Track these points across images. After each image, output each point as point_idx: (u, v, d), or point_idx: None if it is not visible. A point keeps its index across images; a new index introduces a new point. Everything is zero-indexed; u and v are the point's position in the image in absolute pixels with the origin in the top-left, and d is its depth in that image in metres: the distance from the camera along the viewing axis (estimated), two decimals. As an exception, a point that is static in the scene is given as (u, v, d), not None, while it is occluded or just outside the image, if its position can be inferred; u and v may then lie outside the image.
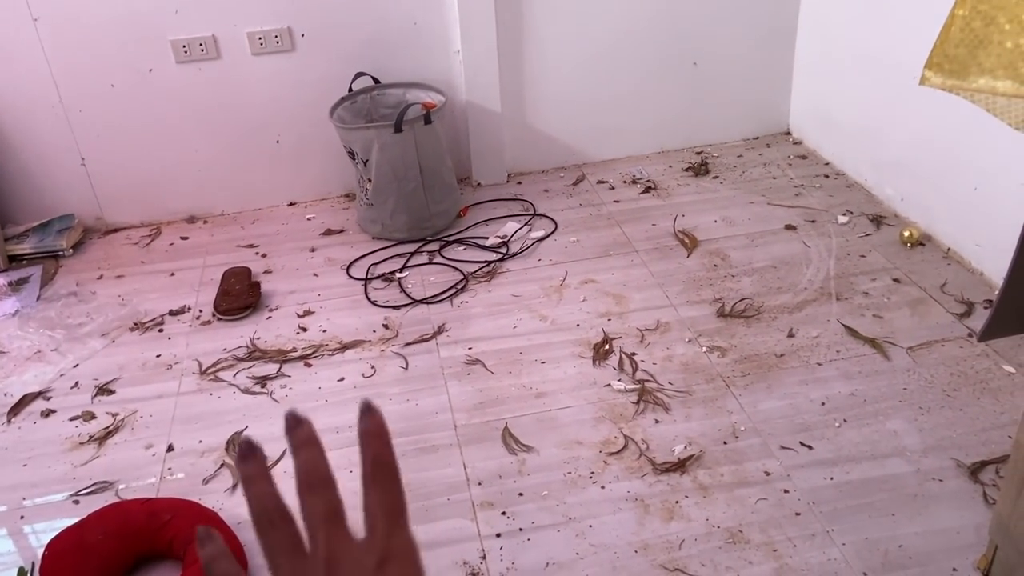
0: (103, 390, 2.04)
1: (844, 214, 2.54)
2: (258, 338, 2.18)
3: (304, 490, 0.42)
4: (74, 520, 1.60)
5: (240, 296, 2.30)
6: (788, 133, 3.09)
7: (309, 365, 2.08)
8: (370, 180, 2.49)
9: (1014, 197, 2.04)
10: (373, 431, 0.41)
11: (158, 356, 2.15)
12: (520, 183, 2.88)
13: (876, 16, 2.48)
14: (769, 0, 2.81)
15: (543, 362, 2.03)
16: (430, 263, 2.47)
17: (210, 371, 2.08)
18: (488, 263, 2.43)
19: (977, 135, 2.12)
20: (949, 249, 2.33)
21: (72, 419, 1.96)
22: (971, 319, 2.07)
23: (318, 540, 0.40)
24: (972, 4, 1.03)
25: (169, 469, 1.81)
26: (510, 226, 2.60)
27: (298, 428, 0.43)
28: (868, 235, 2.44)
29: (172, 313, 2.31)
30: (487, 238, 2.55)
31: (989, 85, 1.00)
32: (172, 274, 2.51)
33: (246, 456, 0.42)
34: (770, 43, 2.90)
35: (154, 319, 2.29)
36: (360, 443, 0.42)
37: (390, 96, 2.66)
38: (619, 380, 1.95)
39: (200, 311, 2.32)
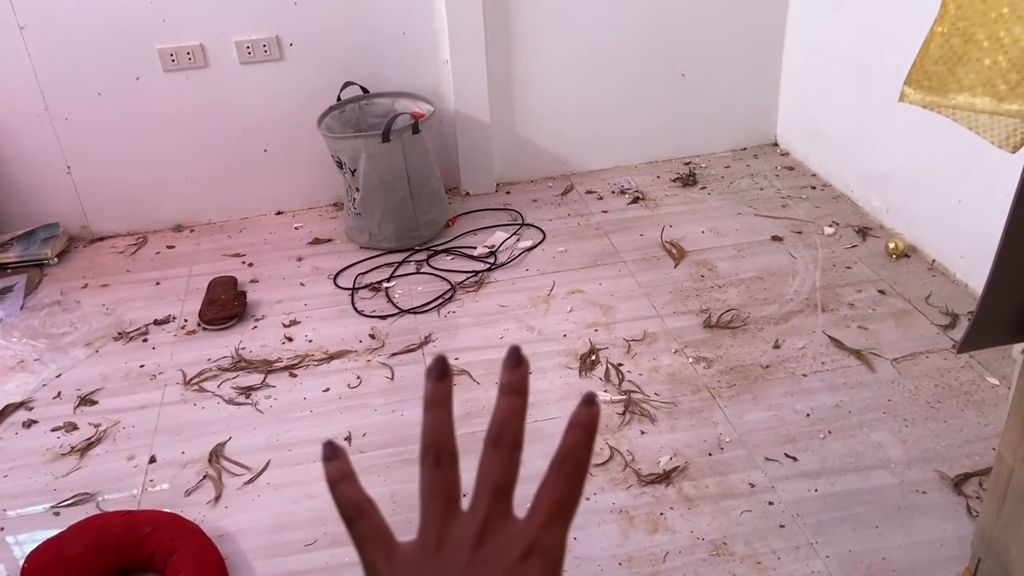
0: (85, 400, 2.02)
1: (830, 225, 2.55)
2: (243, 348, 2.17)
3: (491, 442, 0.39)
4: (54, 532, 1.58)
5: (226, 306, 2.29)
6: (776, 144, 3.10)
7: (294, 375, 2.07)
8: (358, 189, 2.48)
9: (998, 210, 2.04)
10: (584, 423, 0.39)
11: (142, 366, 2.14)
12: (508, 193, 2.88)
13: (863, 29, 2.50)
14: (757, 12, 2.83)
15: (529, 372, 2.02)
16: (417, 273, 2.46)
17: (194, 381, 2.07)
18: (476, 273, 2.42)
19: (962, 148, 2.13)
20: (934, 261, 2.34)
21: (54, 430, 1.94)
22: (955, 331, 2.07)
23: (480, 504, 0.38)
24: (951, 21, 1.04)
25: (151, 480, 1.79)
26: (498, 236, 2.60)
27: (516, 369, 0.40)
28: (854, 247, 2.45)
29: (157, 323, 2.30)
30: (475, 248, 2.55)
31: (968, 102, 1.01)
32: (157, 283, 2.49)
33: (439, 375, 0.41)
34: (758, 55, 2.92)
35: (138, 328, 2.28)
36: (566, 428, 0.39)
37: (378, 105, 2.66)
38: (605, 391, 1.95)
39: (185, 321, 2.31)
